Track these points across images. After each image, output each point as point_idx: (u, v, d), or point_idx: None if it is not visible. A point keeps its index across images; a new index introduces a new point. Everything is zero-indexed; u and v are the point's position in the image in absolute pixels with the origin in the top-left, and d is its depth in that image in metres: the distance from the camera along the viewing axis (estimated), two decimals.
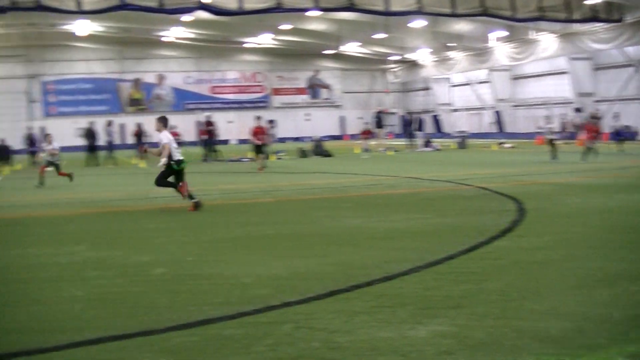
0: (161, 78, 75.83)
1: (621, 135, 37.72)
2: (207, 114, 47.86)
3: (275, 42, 68.73)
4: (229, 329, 6.44)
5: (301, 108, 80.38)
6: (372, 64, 79.81)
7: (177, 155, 16.18)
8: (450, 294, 7.37)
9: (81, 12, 35.55)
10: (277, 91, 79.72)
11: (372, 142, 44.54)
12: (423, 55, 70.65)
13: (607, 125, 46.08)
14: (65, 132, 67.63)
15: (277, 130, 56.08)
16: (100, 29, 62.74)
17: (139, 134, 40.64)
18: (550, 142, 29.54)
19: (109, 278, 8.76)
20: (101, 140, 40.66)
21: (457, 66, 67.54)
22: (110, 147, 40.01)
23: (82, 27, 61.64)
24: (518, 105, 64.63)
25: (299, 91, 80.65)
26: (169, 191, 17.35)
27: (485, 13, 39.61)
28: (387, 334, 6.07)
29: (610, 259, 8.98)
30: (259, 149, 30.13)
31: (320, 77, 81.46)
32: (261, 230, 12.40)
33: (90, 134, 39.65)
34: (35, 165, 25.27)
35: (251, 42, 69.77)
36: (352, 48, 71.04)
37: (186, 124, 64.64)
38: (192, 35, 65.77)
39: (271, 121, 37.41)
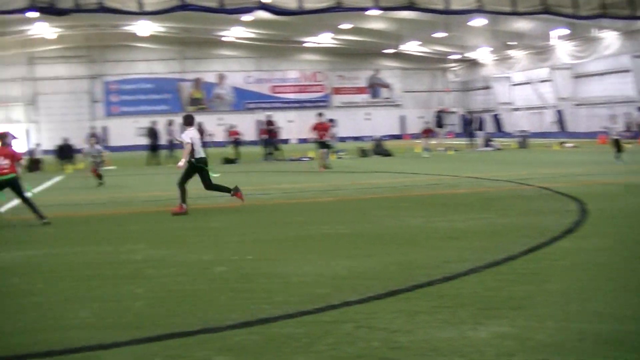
0: (221, 78, 76.28)
1: None
2: (267, 113, 48.06)
3: (336, 42, 68.73)
4: (289, 327, 6.45)
5: (361, 107, 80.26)
6: (432, 63, 79.40)
7: (200, 153, 16.08)
8: (510, 295, 7.29)
9: (142, 13, 35.87)
10: (337, 90, 79.71)
11: (433, 142, 44.32)
12: (483, 54, 70.08)
13: None
14: (126, 131, 68.65)
15: (338, 129, 55.99)
16: (161, 29, 63.39)
17: (200, 133, 40.89)
18: (615, 142, 29.06)
19: (169, 276, 8.84)
20: (162, 140, 41.02)
21: (517, 65, 66.85)
22: (171, 146, 40.32)
23: (144, 27, 62.37)
24: (580, 104, 63.71)
25: (359, 90, 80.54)
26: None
27: (546, 11, 39.05)
28: (448, 335, 6.04)
29: None
30: (321, 145, 29.67)
31: (381, 77, 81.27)
32: (321, 230, 12.41)
33: (152, 133, 40.08)
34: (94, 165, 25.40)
35: (311, 41, 69.88)
36: (412, 47, 70.75)
37: (246, 124, 65.04)
38: (252, 35, 66.05)
39: (331, 120, 37.39)
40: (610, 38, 52.85)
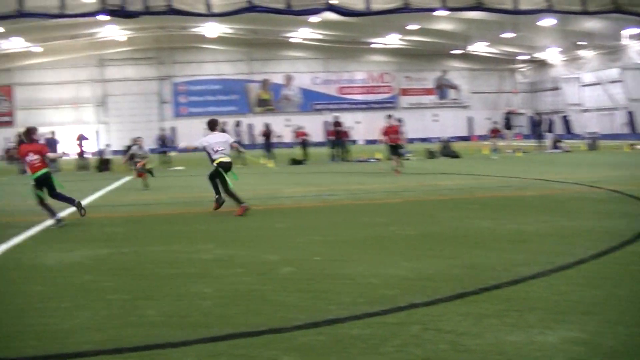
0: (289, 79, 76.61)
1: None
2: (335, 114, 48.11)
3: (403, 43, 68.61)
4: (356, 328, 6.44)
5: (429, 108, 79.94)
6: (500, 64, 78.80)
7: (215, 156, 16.22)
8: (580, 300, 7.18)
9: (211, 15, 36.23)
10: (404, 91, 79.51)
11: (501, 143, 43.95)
12: (552, 54, 69.38)
13: None
14: (194, 132, 69.23)
15: (406, 130, 55.83)
16: (229, 31, 63.94)
17: (267, 134, 41.15)
18: None
19: (237, 276, 8.89)
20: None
21: (587, 65, 66.04)
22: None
23: (212, 29, 62.93)
24: None
25: (427, 91, 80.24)
26: (297, 191, 17.50)
27: (617, 10, 38.50)
28: (516, 339, 5.97)
29: None
30: (394, 150, 28.79)
31: (448, 78, 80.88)
32: (388, 231, 12.37)
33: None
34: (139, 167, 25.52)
35: (378, 42, 69.83)
36: (480, 48, 70.34)
37: (314, 125, 65.19)
38: (320, 36, 66.25)
39: (400, 120, 37.22)
40: None
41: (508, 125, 52.46)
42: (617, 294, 7.42)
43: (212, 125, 17.00)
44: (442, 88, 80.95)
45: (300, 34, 66.02)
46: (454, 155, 40.21)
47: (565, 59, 69.15)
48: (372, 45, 72.12)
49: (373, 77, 78.80)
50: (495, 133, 42.05)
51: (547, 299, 7.23)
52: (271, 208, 17.02)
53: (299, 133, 43.46)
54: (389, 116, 30.72)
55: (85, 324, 6.92)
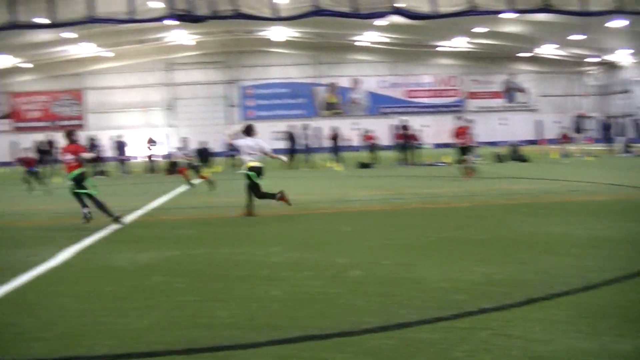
0: (356, 82, 76.51)
1: None
2: (402, 117, 47.98)
3: (470, 46, 68.08)
4: (425, 333, 6.42)
5: (496, 112, 79.14)
6: (569, 67, 77.72)
7: (246, 159, 16.70)
8: None
9: (277, 19, 36.36)
10: (472, 95, 78.90)
11: (571, 147, 43.40)
12: (623, 56, 68.24)
13: None
14: (262, 135, 69.56)
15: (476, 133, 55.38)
16: (296, 34, 64.16)
17: (335, 137, 41.20)
18: None
19: (305, 279, 8.91)
20: (300, 144, 41.46)
21: None
22: (307, 150, 40.72)
23: (278, 33, 63.18)
24: None
25: (494, 95, 79.44)
26: (365, 194, 17.46)
27: None
28: (588, 346, 5.89)
29: None
30: (463, 152, 27.95)
31: (516, 81, 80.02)
32: (456, 235, 12.29)
33: (290, 137, 40.59)
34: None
35: (445, 45, 69.42)
36: (548, 50, 69.46)
37: (381, 128, 65.05)
38: (386, 40, 66.11)
39: (470, 120, 36.76)
40: None
41: (578, 129, 51.79)
42: None
43: (249, 131, 17.27)
44: (509, 91, 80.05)
45: (367, 37, 65.93)
46: (523, 159, 39.79)
47: (636, 61, 67.95)
48: (439, 49, 71.66)
49: (440, 80, 78.31)
50: (565, 139, 41.44)
51: (620, 306, 7.12)
52: (339, 211, 17.01)
53: (367, 136, 43.40)
54: (459, 117, 30.30)
55: (156, 324, 7.01)
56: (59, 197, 23.81)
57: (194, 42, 68.91)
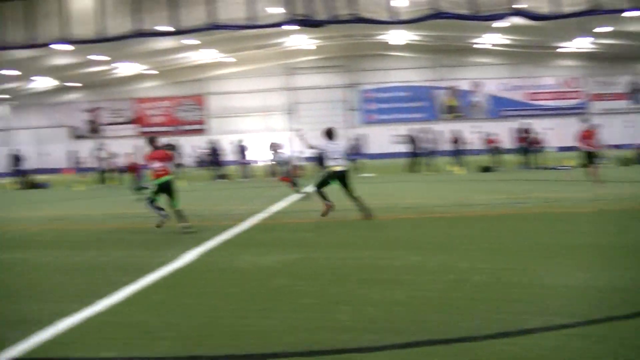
0: (476, 85, 75.81)
1: None
2: (524, 120, 47.28)
3: (593, 46, 66.55)
4: (549, 340, 6.31)
5: (621, 114, 77.14)
6: None
7: (331, 163, 16.91)
8: None
9: (396, 22, 36.28)
10: (595, 97, 77.13)
11: None
12: None
13: None
14: (383, 139, 69.80)
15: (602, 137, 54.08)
16: (415, 37, 63.96)
17: (456, 140, 40.89)
18: None
19: (427, 283, 8.85)
20: (421, 148, 41.25)
21: None
22: (429, 153, 40.52)
23: (397, 36, 63.07)
24: None
25: (619, 96, 77.51)
26: (486, 198, 17.26)
27: None
28: None
29: None
30: (589, 156, 26.20)
31: None
32: (576, 239, 12.01)
33: (411, 141, 40.46)
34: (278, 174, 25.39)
35: (567, 46, 68.06)
36: None
37: (502, 131, 64.23)
38: (507, 42, 65.26)
39: (595, 126, 35.68)
40: None
41: None
42: None
43: (330, 134, 17.43)
44: (635, 92, 78.01)
45: (487, 40, 65.23)
46: None
47: None
48: (560, 50, 70.30)
49: (562, 82, 76.85)
50: None
51: None
52: (460, 215, 16.85)
53: (490, 140, 42.91)
54: (585, 120, 29.42)
55: (277, 326, 7.08)
56: (184, 200, 24.25)
57: (313, 47, 69.53)
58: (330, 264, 10.57)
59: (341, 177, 16.88)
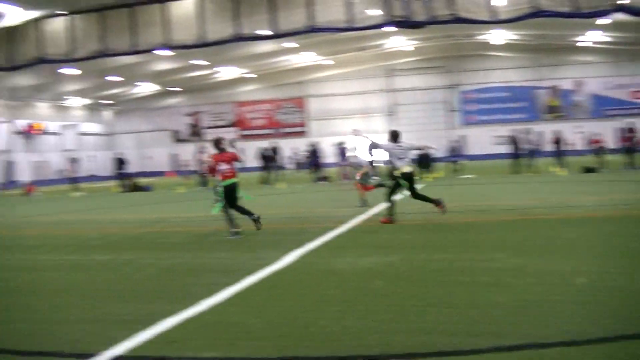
0: (578, 84, 74.41)
1: None
2: (628, 120, 46.27)
3: None
4: None
5: None
6: None
7: (398, 164, 16.94)
8: None
9: (496, 22, 35.86)
10: None
11: None
12: None
13: None
14: (484, 140, 69.15)
15: None
16: (515, 37, 63.11)
17: (557, 141, 40.24)
18: None
19: (529, 285, 8.74)
20: (523, 148, 40.64)
21: None
22: (530, 154, 39.92)
23: (498, 36, 62.39)
24: None
25: None
26: (589, 200, 16.93)
27: None
28: None
29: None
30: None
31: None
32: None
33: (513, 141, 39.93)
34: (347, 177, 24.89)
35: None
36: None
37: (606, 131, 63.03)
38: (609, 39, 63.84)
39: None
40: None
41: None
42: None
43: (395, 136, 17.46)
44: None
45: (589, 37, 63.86)
46: None
47: None
48: None
49: None
50: None
51: None
52: (563, 217, 16.57)
53: (594, 140, 42.09)
54: None
55: (376, 329, 7.09)
56: (284, 202, 24.48)
57: (412, 48, 69.27)
58: (429, 266, 10.53)
59: (408, 179, 16.97)
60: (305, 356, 6.37)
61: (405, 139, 17.60)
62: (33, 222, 23.53)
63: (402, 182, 16.85)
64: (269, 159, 42.49)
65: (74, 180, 45.75)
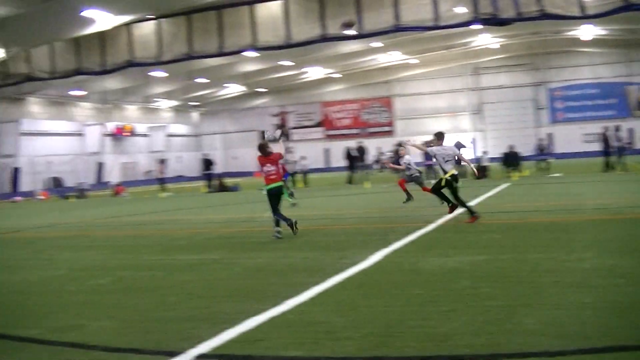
0: None
1: None
2: None
3: None
4: None
5: None
6: None
7: (447, 167, 16.96)
8: None
9: (585, 17, 35.18)
10: None
11: None
12: None
13: None
14: (572, 138, 68.09)
15: None
16: (604, 32, 61.88)
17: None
18: None
19: (618, 286, 8.57)
20: (613, 146, 39.86)
21: None
22: (620, 152, 39.17)
23: (587, 31, 61.30)
24: None
25: None
26: None
27: None
28: None
29: None
30: None
31: None
32: None
33: (604, 139, 39.18)
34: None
35: None
36: None
37: None
38: None
39: None
40: None
41: None
42: None
43: (441, 138, 17.49)
44: None
45: None
46: None
47: None
48: None
49: None
50: None
51: None
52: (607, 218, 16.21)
53: None
54: None
55: (461, 329, 7.03)
56: (366, 202, 24.48)
57: (498, 46, 68.60)
58: (516, 266, 10.41)
59: (454, 180, 16.99)
60: (391, 356, 6.36)
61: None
62: (123, 222, 23.98)
63: (455, 183, 16.84)
64: (355, 159, 42.54)
65: (162, 181, 46.47)
